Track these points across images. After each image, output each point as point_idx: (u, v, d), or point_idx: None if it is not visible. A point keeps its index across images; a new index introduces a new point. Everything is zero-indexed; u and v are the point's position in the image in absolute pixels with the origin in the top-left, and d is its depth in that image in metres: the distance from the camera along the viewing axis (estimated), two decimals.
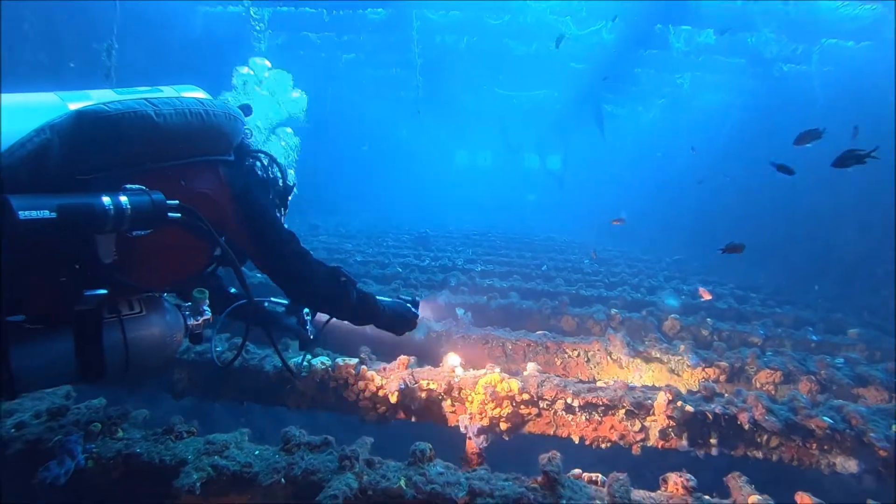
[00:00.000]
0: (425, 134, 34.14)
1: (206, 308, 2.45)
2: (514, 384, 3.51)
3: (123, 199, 1.78)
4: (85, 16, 7.85)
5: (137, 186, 1.88)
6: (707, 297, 5.66)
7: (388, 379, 3.59)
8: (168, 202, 1.92)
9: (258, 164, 2.76)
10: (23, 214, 1.58)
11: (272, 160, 2.83)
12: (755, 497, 2.44)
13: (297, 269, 2.58)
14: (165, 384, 3.71)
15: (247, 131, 2.73)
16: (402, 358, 3.83)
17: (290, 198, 3.03)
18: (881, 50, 8.84)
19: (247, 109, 2.72)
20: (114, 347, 2.03)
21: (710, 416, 3.46)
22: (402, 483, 2.32)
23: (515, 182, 36.24)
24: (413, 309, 3.26)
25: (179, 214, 1.98)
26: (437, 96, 20.86)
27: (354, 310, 2.83)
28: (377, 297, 3.01)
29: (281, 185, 2.86)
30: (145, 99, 2.02)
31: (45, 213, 1.62)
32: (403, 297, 3.36)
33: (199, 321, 2.40)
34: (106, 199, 1.75)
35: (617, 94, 18.27)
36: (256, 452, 2.50)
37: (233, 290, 3.03)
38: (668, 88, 16.94)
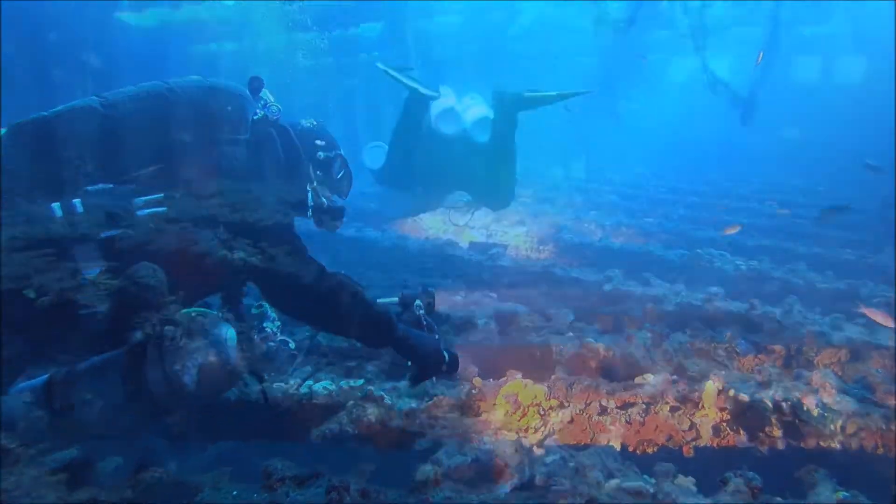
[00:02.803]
0: None
1: (267, 325, 2.25)
2: (540, 390, 3.14)
3: (76, 201, 1.67)
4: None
5: (101, 186, 1.75)
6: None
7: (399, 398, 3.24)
8: (140, 198, 1.79)
9: (271, 137, 2.43)
10: None
11: (291, 131, 2.53)
12: (841, 493, 1.98)
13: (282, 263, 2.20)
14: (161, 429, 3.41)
15: (270, 106, 2.43)
16: None
17: (339, 169, 2.71)
18: None
19: (256, 82, 2.43)
20: (156, 380, 1.83)
21: (770, 404, 3.00)
22: None
23: None
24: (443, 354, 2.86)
25: (164, 209, 1.83)
26: None
27: (362, 329, 2.54)
28: (400, 324, 2.64)
29: (318, 157, 2.57)
30: (97, 94, 1.87)
31: None
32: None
33: (259, 339, 2.22)
34: (55, 205, 1.63)
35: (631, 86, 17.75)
36: (234, 493, 2.15)
37: None
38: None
